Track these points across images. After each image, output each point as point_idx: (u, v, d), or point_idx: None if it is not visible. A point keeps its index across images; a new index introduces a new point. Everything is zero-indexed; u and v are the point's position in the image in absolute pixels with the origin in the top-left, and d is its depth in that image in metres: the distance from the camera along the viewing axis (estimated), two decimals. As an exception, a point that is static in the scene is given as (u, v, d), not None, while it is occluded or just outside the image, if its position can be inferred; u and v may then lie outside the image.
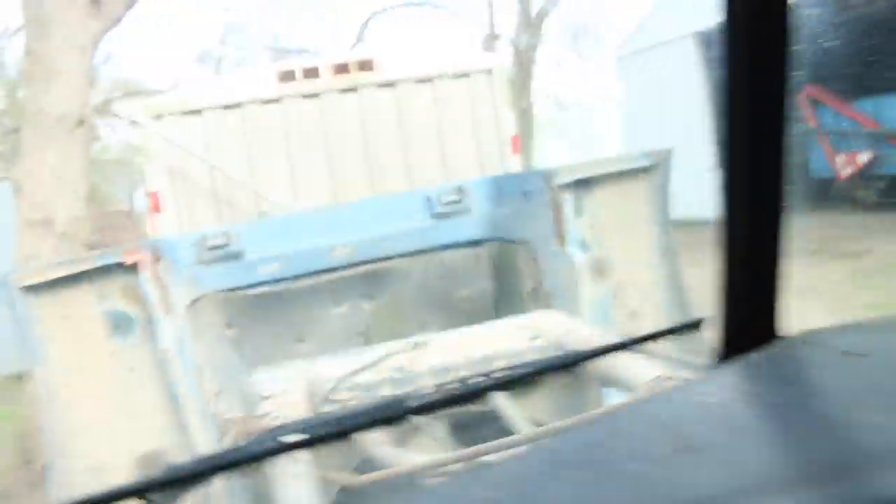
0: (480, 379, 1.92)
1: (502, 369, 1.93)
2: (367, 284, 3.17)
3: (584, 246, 2.88)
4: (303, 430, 1.48)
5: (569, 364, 1.98)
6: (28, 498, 4.82)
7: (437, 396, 1.86)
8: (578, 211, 2.87)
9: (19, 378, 5.37)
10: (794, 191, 0.85)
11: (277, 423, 1.73)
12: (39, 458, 4.43)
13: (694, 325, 1.55)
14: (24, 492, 4.87)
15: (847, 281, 7.76)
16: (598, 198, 2.94)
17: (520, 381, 1.98)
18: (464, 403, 1.94)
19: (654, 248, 3.07)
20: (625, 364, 1.90)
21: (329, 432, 1.43)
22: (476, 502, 0.59)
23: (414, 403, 1.80)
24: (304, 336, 3.14)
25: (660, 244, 3.07)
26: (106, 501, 0.46)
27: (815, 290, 7.18)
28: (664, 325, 3.09)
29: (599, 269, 2.99)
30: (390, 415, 1.77)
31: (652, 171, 2.96)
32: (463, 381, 1.90)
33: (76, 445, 2.53)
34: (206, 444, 2.54)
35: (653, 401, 1.58)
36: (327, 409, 1.84)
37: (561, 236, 2.78)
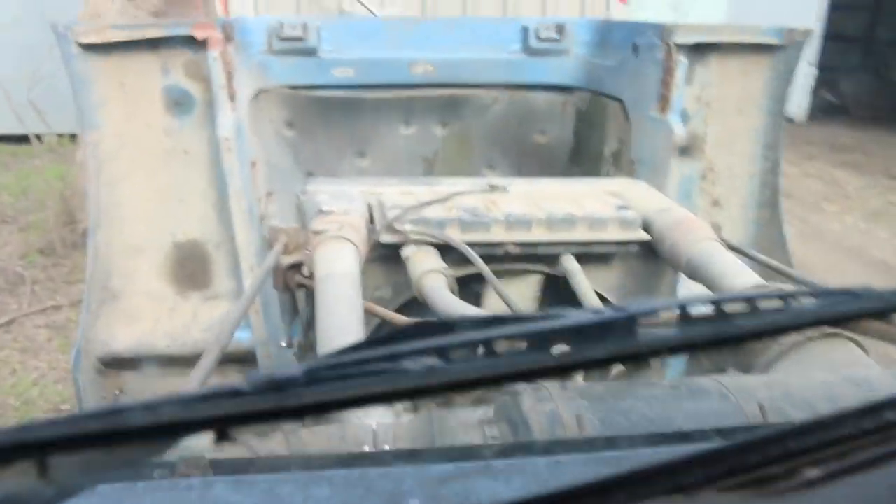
0: (558, 245, 1.75)
1: (584, 242, 1.76)
2: (442, 110, 2.95)
3: (685, 117, 2.61)
4: None
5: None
6: (67, 257, 4.89)
7: (508, 250, 1.71)
8: (689, 79, 2.58)
9: (74, 139, 5.33)
10: None
11: (330, 244, 1.58)
12: (83, 220, 4.44)
13: None
14: (65, 252, 4.93)
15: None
16: (714, 69, 2.64)
17: (599, 257, 1.81)
18: (535, 262, 1.79)
19: (757, 138, 2.79)
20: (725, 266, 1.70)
21: None
22: None
23: (485, 252, 1.65)
24: (366, 151, 2.96)
25: (765, 136, 2.79)
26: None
27: (887, 216, 6.87)
28: (746, 223, 2.92)
29: (693, 147, 2.74)
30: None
31: (780, 52, 2.63)
32: (539, 244, 1.73)
33: (117, 219, 2.45)
34: (247, 245, 2.44)
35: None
36: (387, 238, 1.68)
37: (665, 102, 2.51)
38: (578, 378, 1.70)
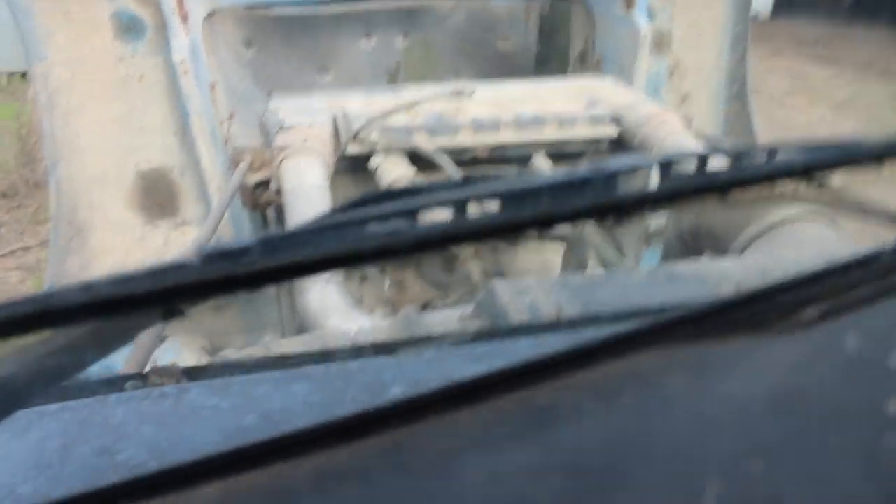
0: (528, 146, 1.72)
1: (554, 141, 1.73)
2: (403, 20, 2.87)
3: (650, 14, 2.56)
4: None
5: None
6: (31, 198, 4.79)
7: (478, 154, 1.68)
8: None
9: (25, 77, 5.15)
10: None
11: (295, 156, 1.55)
12: (43, 158, 4.32)
13: None
14: (28, 192, 4.82)
15: (887, 102, 7.38)
16: None
17: (570, 156, 1.79)
18: (505, 165, 1.76)
19: (724, 31, 2.75)
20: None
21: None
22: None
23: (454, 157, 1.62)
24: (328, 67, 2.89)
25: (732, 29, 2.75)
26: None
27: (853, 107, 6.90)
28: (716, 118, 2.90)
29: (659, 43, 2.70)
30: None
31: (744, -61, 2.58)
32: (509, 146, 1.71)
33: (77, 152, 2.38)
34: (212, 168, 2.39)
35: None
36: (354, 148, 1.65)
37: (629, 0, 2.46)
38: (555, 274, 1.70)
